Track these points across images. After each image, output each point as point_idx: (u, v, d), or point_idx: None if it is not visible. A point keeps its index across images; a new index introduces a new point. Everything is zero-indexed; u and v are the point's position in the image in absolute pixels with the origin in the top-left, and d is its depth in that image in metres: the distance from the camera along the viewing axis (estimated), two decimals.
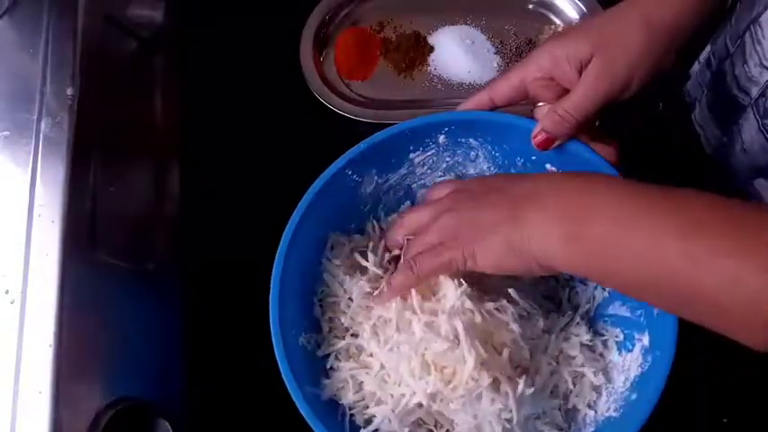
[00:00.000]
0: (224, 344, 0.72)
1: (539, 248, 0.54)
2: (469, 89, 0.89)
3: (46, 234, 0.61)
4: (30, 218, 0.61)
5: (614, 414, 0.61)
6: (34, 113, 0.64)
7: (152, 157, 0.78)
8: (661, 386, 0.57)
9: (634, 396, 0.60)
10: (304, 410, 0.58)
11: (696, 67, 0.81)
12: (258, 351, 0.60)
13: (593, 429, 0.62)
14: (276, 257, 0.62)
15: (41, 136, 0.63)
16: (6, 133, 0.64)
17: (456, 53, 0.90)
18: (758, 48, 0.65)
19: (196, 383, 0.71)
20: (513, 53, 0.91)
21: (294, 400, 0.58)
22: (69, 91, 0.65)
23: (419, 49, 0.91)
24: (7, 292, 0.59)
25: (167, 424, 0.62)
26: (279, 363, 0.59)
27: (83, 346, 0.61)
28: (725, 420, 0.70)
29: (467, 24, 0.93)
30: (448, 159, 0.71)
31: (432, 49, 0.92)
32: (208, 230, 0.78)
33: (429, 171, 0.71)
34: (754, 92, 0.67)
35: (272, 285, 0.61)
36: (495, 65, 0.90)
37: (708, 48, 0.77)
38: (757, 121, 0.67)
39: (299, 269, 0.64)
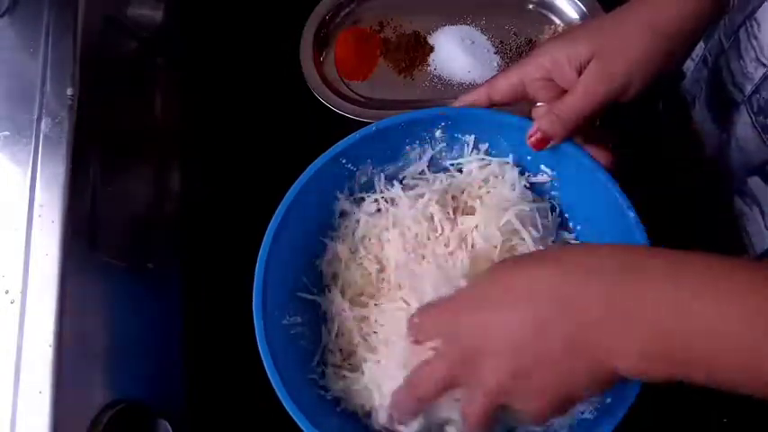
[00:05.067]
0: (224, 343, 0.72)
1: (625, 367, 0.47)
2: (469, 89, 0.88)
3: (46, 234, 0.61)
4: (30, 218, 0.61)
5: (589, 416, 0.61)
6: (34, 113, 0.64)
7: (152, 157, 0.78)
8: (636, 391, 0.57)
9: (609, 399, 0.60)
10: (281, 393, 0.58)
11: (690, 64, 0.80)
12: (258, 351, 0.61)
13: (566, 430, 0.61)
14: (264, 238, 0.63)
15: (41, 136, 0.63)
16: (6, 133, 0.64)
17: (456, 53, 0.90)
18: (754, 43, 0.65)
19: (196, 383, 0.71)
20: (513, 53, 0.91)
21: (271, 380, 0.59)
22: (69, 91, 0.65)
23: (419, 49, 0.91)
24: (7, 292, 0.59)
25: (167, 424, 0.62)
26: (258, 343, 0.60)
27: (83, 346, 0.61)
28: (725, 420, 0.70)
29: (467, 24, 0.93)
30: (444, 154, 0.71)
31: (432, 49, 0.92)
32: (208, 230, 0.79)
33: (425, 164, 0.71)
34: (749, 88, 0.67)
35: (256, 268, 0.62)
36: (495, 65, 0.90)
37: (701, 45, 0.77)
38: (750, 117, 0.67)
39: (288, 252, 0.65)
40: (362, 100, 0.88)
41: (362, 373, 0.64)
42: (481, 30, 0.92)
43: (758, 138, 0.67)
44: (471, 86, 0.89)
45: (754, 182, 0.70)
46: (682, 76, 0.82)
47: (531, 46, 0.91)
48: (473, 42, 0.91)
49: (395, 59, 0.91)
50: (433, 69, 0.91)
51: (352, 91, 0.89)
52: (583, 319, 0.47)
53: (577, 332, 0.47)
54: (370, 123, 0.68)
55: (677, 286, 0.45)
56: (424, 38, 0.92)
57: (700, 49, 0.78)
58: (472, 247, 0.66)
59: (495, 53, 0.91)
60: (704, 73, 0.77)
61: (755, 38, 0.65)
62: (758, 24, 0.64)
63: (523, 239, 0.66)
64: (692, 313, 0.44)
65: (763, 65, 0.65)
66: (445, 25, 0.93)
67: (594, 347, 0.47)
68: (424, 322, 0.55)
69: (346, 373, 0.65)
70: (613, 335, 0.46)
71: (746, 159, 0.70)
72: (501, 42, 0.92)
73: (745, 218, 0.73)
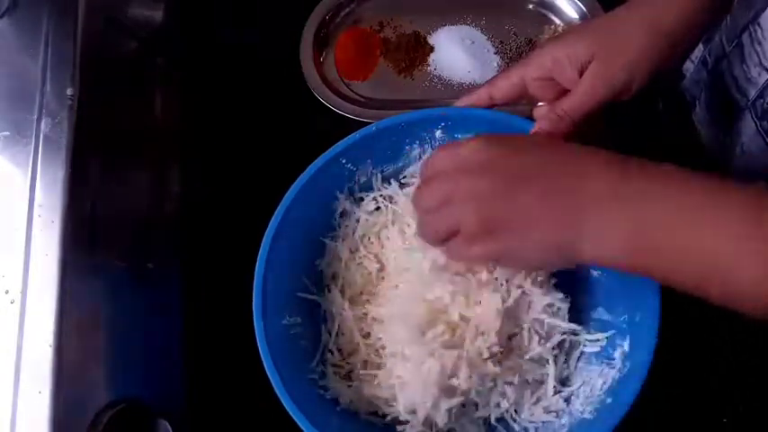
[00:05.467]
0: (224, 343, 0.72)
1: (593, 251, 0.51)
2: (469, 89, 0.88)
3: (46, 234, 0.61)
4: (30, 218, 0.61)
5: (588, 416, 0.61)
6: (34, 113, 0.64)
7: (152, 157, 0.78)
8: (636, 391, 0.57)
9: (609, 400, 0.60)
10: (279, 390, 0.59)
11: (689, 66, 0.80)
12: (258, 350, 0.61)
13: (567, 430, 0.62)
14: (264, 238, 0.63)
15: (41, 136, 0.63)
16: (6, 133, 0.64)
17: (456, 53, 0.90)
18: (758, 48, 0.65)
19: (196, 383, 0.71)
20: (513, 53, 0.91)
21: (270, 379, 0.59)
22: (69, 91, 0.65)
23: (419, 49, 0.91)
24: (7, 292, 0.59)
25: (167, 424, 0.62)
26: (258, 344, 0.60)
27: (83, 346, 0.61)
28: (725, 420, 0.70)
29: (467, 24, 0.93)
30: None
31: (432, 49, 0.92)
32: (208, 230, 0.79)
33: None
34: (752, 93, 0.67)
35: (256, 268, 0.62)
36: (495, 65, 0.90)
37: (701, 47, 0.77)
38: (755, 122, 0.67)
39: (288, 252, 0.65)
40: (363, 100, 0.87)
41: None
42: (481, 30, 0.92)
43: (762, 142, 0.67)
44: (471, 86, 0.89)
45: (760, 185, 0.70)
46: (681, 77, 0.82)
47: (531, 46, 0.91)
48: (473, 42, 0.91)
49: (395, 59, 0.91)
50: (432, 69, 0.91)
51: (352, 91, 0.88)
52: (585, 186, 0.51)
53: (572, 195, 0.51)
54: (370, 123, 0.68)
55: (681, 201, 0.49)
56: (424, 38, 0.92)
57: (699, 51, 0.77)
58: None
59: (495, 53, 0.91)
60: (704, 75, 0.76)
61: (759, 43, 0.64)
62: (762, 29, 0.64)
63: None
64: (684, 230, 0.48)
65: (767, 70, 0.64)
66: (445, 25, 0.93)
67: (578, 218, 0.51)
68: (435, 156, 0.58)
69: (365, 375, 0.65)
70: (606, 215, 0.50)
71: (751, 163, 0.70)
72: (501, 42, 0.92)
73: None
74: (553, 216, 0.51)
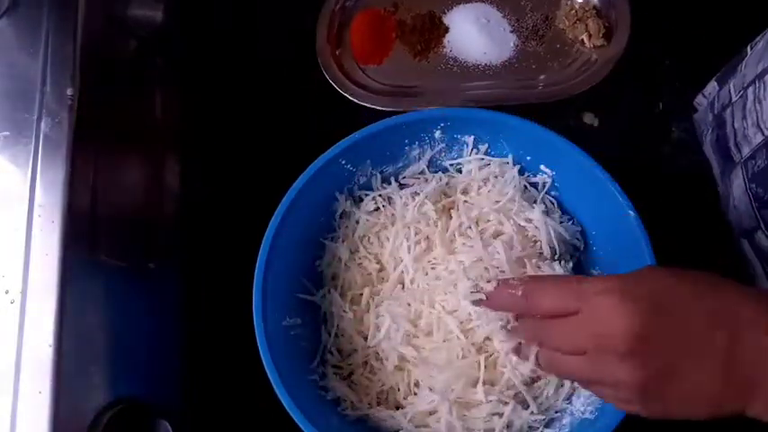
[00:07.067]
0: (224, 344, 0.73)
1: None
2: (485, 71, 0.86)
3: (46, 234, 0.61)
4: (30, 218, 0.61)
5: (590, 416, 0.61)
6: (34, 113, 0.64)
7: (152, 156, 0.78)
8: None
9: None
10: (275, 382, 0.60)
11: (702, 100, 0.76)
12: (258, 351, 0.61)
13: (568, 430, 0.62)
14: (264, 238, 0.64)
15: (41, 136, 0.63)
16: (6, 133, 0.64)
17: (471, 33, 0.88)
18: (758, 107, 0.62)
19: (196, 383, 0.72)
20: (529, 31, 0.88)
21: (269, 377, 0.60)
22: (69, 91, 0.65)
23: (434, 30, 0.89)
24: (7, 292, 0.60)
25: (167, 424, 0.63)
26: (259, 344, 0.61)
27: (83, 346, 0.61)
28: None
29: (481, 2, 0.90)
30: (443, 155, 0.71)
31: (447, 29, 0.89)
32: (208, 230, 0.79)
33: (424, 165, 0.71)
34: (746, 151, 0.64)
35: (256, 268, 0.63)
36: (512, 44, 0.88)
37: (714, 84, 0.73)
38: (744, 182, 0.64)
39: (288, 253, 0.65)
40: (379, 86, 0.85)
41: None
42: (496, 7, 0.90)
43: (749, 203, 0.65)
44: (487, 68, 0.86)
45: (745, 244, 0.69)
46: (693, 109, 0.79)
47: (547, 23, 0.88)
48: (488, 21, 0.89)
49: (410, 42, 0.89)
50: (448, 51, 0.88)
51: (369, 77, 0.86)
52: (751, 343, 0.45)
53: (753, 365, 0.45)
54: (381, 111, 0.67)
55: None
56: (439, 18, 0.90)
57: (713, 88, 0.74)
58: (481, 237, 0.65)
59: (512, 32, 0.88)
60: (709, 117, 0.73)
61: (760, 102, 0.62)
62: (765, 89, 0.61)
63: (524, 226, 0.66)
64: None
65: (762, 132, 0.62)
66: (460, 4, 0.90)
67: (754, 385, 0.45)
68: (541, 294, 0.52)
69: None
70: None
71: (739, 220, 0.68)
72: (517, 20, 0.89)
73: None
74: (726, 390, 0.46)
